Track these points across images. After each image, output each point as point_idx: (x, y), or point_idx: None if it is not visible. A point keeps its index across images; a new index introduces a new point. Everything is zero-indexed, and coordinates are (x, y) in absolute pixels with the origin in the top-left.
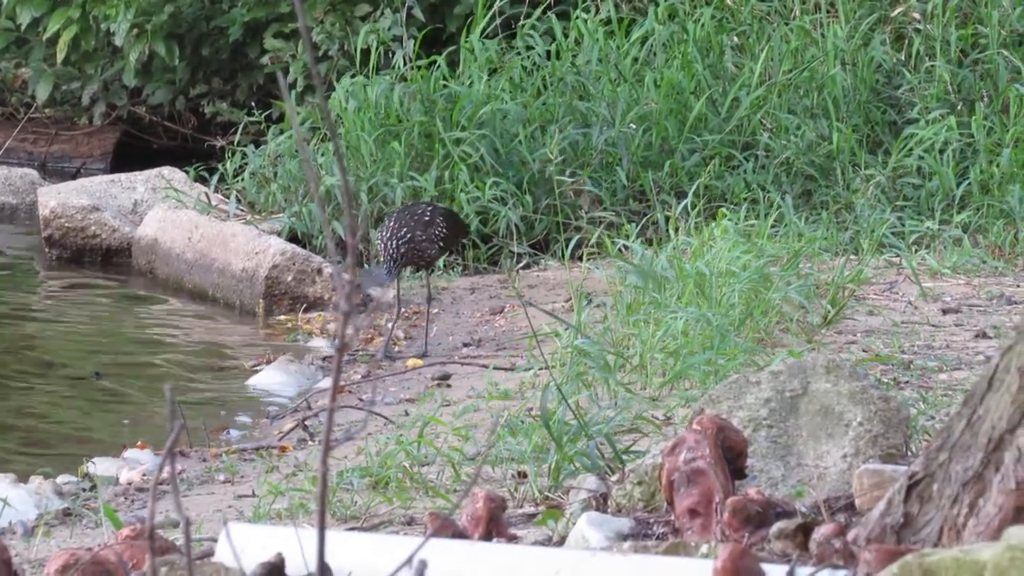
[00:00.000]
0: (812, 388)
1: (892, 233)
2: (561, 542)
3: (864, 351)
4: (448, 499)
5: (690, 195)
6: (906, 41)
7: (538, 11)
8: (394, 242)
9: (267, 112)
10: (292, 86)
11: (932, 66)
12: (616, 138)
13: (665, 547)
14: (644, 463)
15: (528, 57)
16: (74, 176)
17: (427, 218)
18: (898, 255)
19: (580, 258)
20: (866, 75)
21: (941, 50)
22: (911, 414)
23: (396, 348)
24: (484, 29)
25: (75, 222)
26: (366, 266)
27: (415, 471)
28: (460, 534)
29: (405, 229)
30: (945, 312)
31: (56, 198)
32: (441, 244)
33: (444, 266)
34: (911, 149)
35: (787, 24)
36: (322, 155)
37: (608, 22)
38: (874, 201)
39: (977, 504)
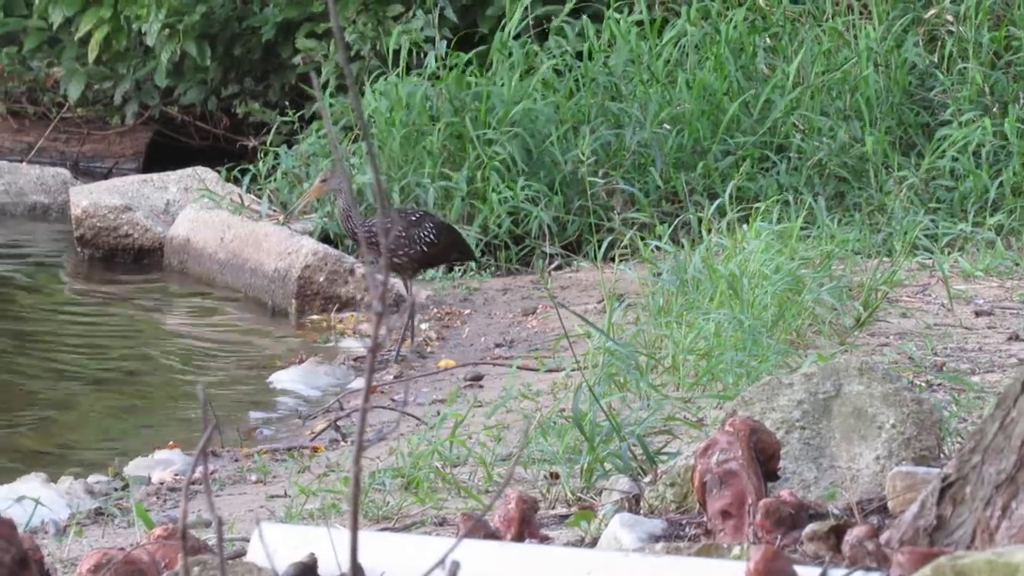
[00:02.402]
0: (845, 390)
1: (925, 235)
2: (593, 543)
3: (898, 354)
4: (480, 500)
5: (725, 196)
6: (939, 43)
7: (564, 11)
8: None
9: (299, 112)
10: (324, 86)
11: (965, 68)
12: (649, 139)
13: (697, 548)
14: (676, 464)
15: (560, 58)
16: (106, 176)
17: (414, 219)
18: (931, 257)
19: (612, 259)
20: (899, 77)
21: (974, 52)
22: (944, 416)
23: (429, 348)
24: (516, 30)
25: (107, 222)
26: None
27: (447, 472)
28: (492, 535)
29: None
30: (978, 314)
31: (88, 198)
32: (424, 248)
33: (477, 267)
34: (944, 151)
35: (819, 25)
36: (354, 155)
37: (640, 23)
38: (907, 203)
39: (1010, 506)
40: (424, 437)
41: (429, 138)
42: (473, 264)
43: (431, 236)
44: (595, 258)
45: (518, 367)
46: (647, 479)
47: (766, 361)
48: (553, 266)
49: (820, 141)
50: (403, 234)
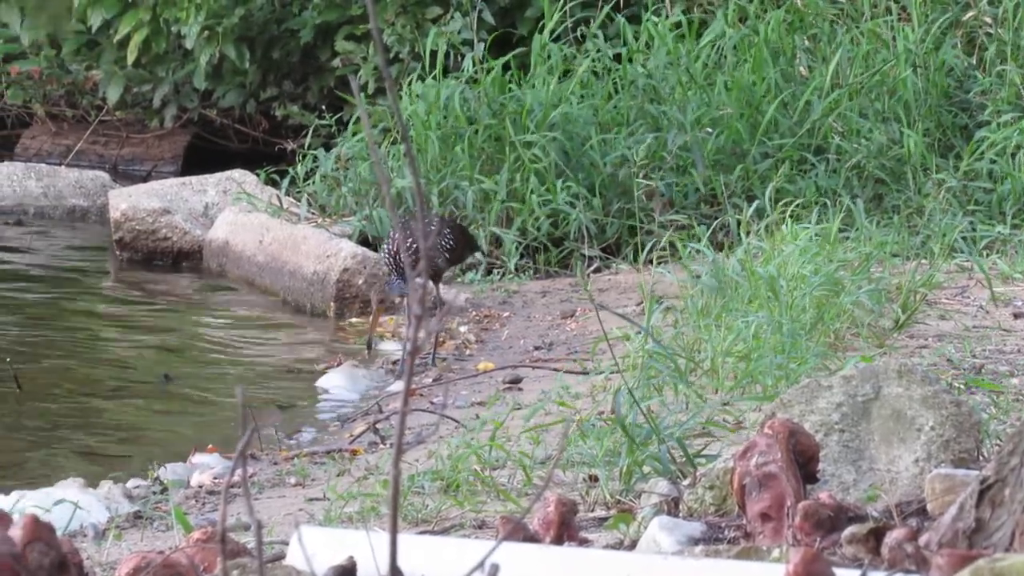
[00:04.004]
0: (884, 392)
1: (963, 237)
2: (632, 546)
3: (937, 357)
4: (519, 503)
5: (764, 199)
6: (977, 45)
7: (602, 14)
8: (403, 254)
9: (338, 115)
10: (363, 88)
11: (1003, 70)
12: (689, 142)
13: (737, 551)
14: (715, 467)
15: (599, 60)
16: (145, 179)
17: (433, 227)
18: (969, 259)
19: (651, 261)
20: (937, 79)
21: (1012, 54)
22: (983, 419)
23: (467, 351)
24: (555, 32)
25: (146, 225)
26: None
27: (486, 475)
28: (531, 538)
29: (411, 239)
30: (1016, 317)
31: (127, 201)
32: (447, 256)
33: (516, 269)
34: (982, 153)
35: (858, 27)
36: (393, 158)
37: (678, 25)
38: (945, 205)
39: None
40: (463, 440)
41: (468, 140)
42: (512, 267)
43: (450, 242)
44: (634, 260)
45: (556, 369)
46: (686, 482)
47: (805, 363)
48: (592, 268)
49: (858, 143)
50: (430, 247)
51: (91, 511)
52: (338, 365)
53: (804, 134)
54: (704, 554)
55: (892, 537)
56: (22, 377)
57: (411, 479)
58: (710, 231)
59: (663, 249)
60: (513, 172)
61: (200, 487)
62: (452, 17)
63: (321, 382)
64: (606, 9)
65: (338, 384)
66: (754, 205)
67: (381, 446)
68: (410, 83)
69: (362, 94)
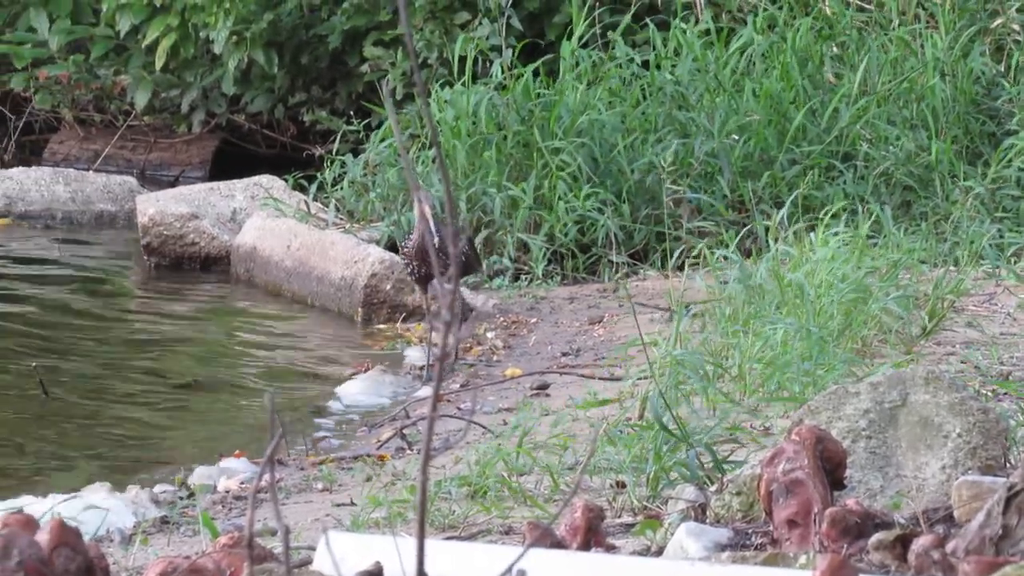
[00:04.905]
0: (911, 399)
1: (991, 244)
2: (659, 552)
3: (963, 363)
4: (546, 509)
5: (792, 205)
6: (1005, 52)
7: (626, 19)
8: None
9: (366, 120)
10: (392, 94)
11: None
12: (717, 149)
13: (763, 557)
14: (742, 473)
15: (627, 67)
16: (173, 184)
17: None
18: (997, 266)
19: (679, 268)
20: (965, 86)
21: None
22: (1010, 426)
23: (495, 357)
24: (583, 38)
25: (174, 230)
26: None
27: (513, 481)
28: (558, 544)
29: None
30: None
31: (155, 206)
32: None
33: (543, 275)
34: (1010, 160)
35: (886, 34)
36: (421, 164)
37: (707, 32)
38: (973, 212)
39: None
40: (491, 446)
41: (496, 147)
42: (539, 273)
43: (466, 250)
44: (662, 267)
45: (584, 375)
46: (713, 488)
47: (832, 370)
48: (619, 275)
49: (886, 150)
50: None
51: (118, 516)
52: (366, 371)
53: (832, 141)
54: (731, 560)
55: (919, 544)
56: (49, 382)
57: (438, 485)
58: (739, 238)
59: (695, 256)
60: (541, 178)
61: (227, 492)
62: (480, 23)
63: (348, 387)
64: (629, 16)
65: (366, 390)
66: (783, 211)
67: (408, 451)
68: (438, 89)
69: (390, 100)
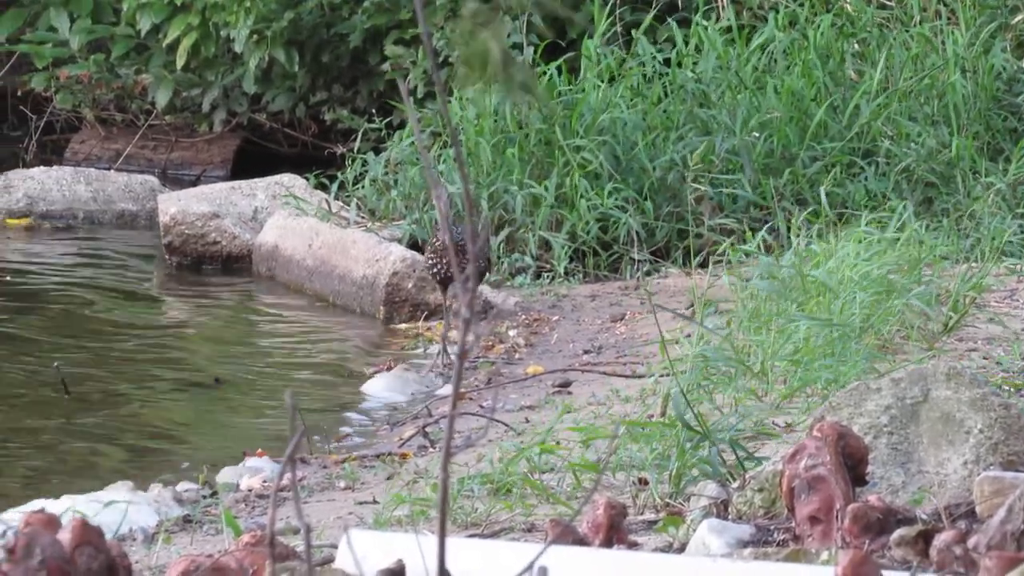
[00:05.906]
0: (933, 395)
1: (1012, 240)
2: (682, 549)
3: (985, 359)
4: (569, 506)
5: (815, 202)
6: None
7: (648, 18)
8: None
9: (387, 119)
10: (412, 92)
11: None
12: (738, 146)
13: (785, 554)
14: (765, 470)
15: (650, 65)
16: (194, 183)
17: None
18: (1019, 262)
19: (701, 265)
20: (986, 82)
21: None
22: None
23: (517, 355)
24: (605, 36)
25: (195, 229)
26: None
27: (536, 478)
28: (581, 541)
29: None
30: None
31: (176, 205)
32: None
33: (565, 273)
34: None
35: (907, 31)
36: (443, 162)
37: (728, 30)
38: (995, 208)
39: None
40: (513, 443)
41: (519, 144)
42: (561, 270)
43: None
44: (684, 264)
45: (606, 373)
46: (735, 485)
47: (855, 366)
48: (641, 272)
49: (908, 147)
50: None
51: (140, 514)
52: (387, 369)
53: (853, 138)
54: (753, 557)
55: (941, 539)
56: (70, 381)
57: (460, 482)
58: (760, 235)
59: (719, 254)
60: (563, 176)
61: (250, 491)
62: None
63: (370, 385)
64: (650, 16)
65: (388, 388)
66: (805, 209)
67: (430, 449)
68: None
69: (411, 98)
